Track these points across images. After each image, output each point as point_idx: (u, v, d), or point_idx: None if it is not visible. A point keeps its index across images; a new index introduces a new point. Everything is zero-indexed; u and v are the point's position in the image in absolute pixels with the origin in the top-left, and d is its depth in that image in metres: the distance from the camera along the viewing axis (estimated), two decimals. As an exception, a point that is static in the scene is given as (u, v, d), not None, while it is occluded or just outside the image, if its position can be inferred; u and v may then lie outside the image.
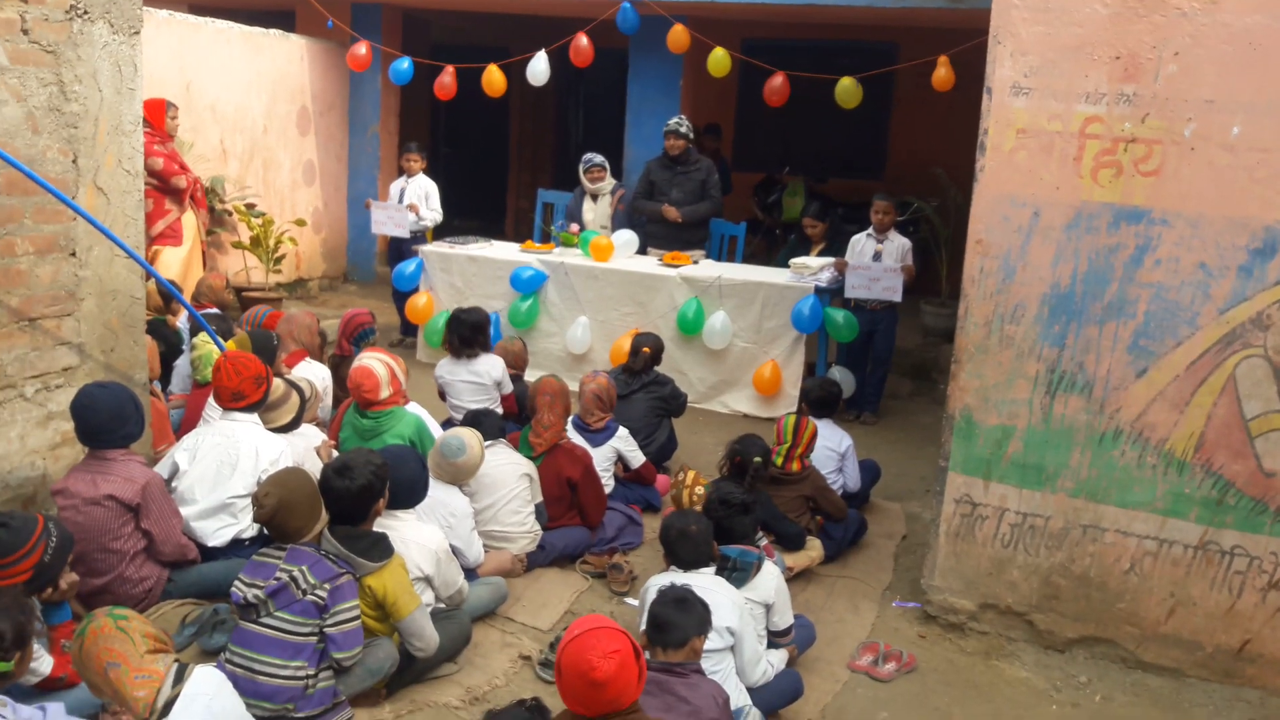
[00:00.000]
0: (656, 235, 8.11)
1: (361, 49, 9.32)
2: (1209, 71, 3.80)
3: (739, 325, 7.10)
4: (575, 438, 5.18)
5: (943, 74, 7.80)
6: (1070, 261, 4.08)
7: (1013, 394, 4.23)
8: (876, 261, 6.99)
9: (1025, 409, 4.22)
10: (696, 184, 8.01)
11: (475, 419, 4.71)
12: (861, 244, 7.16)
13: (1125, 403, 4.08)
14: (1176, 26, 3.83)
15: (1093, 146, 3.99)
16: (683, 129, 7.94)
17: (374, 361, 4.79)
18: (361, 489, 3.49)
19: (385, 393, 4.74)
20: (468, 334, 5.80)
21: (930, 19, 8.38)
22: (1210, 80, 3.81)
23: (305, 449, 4.50)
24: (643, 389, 5.91)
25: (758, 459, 4.60)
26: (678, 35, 8.36)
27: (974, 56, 6.12)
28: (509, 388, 5.86)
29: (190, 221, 7.57)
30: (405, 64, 9.09)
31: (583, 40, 8.49)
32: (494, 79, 8.81)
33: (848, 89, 8.03)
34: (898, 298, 6.89)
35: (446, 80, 8.94)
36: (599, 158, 8.32)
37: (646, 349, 5.99)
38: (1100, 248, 4.03)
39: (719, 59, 8.30)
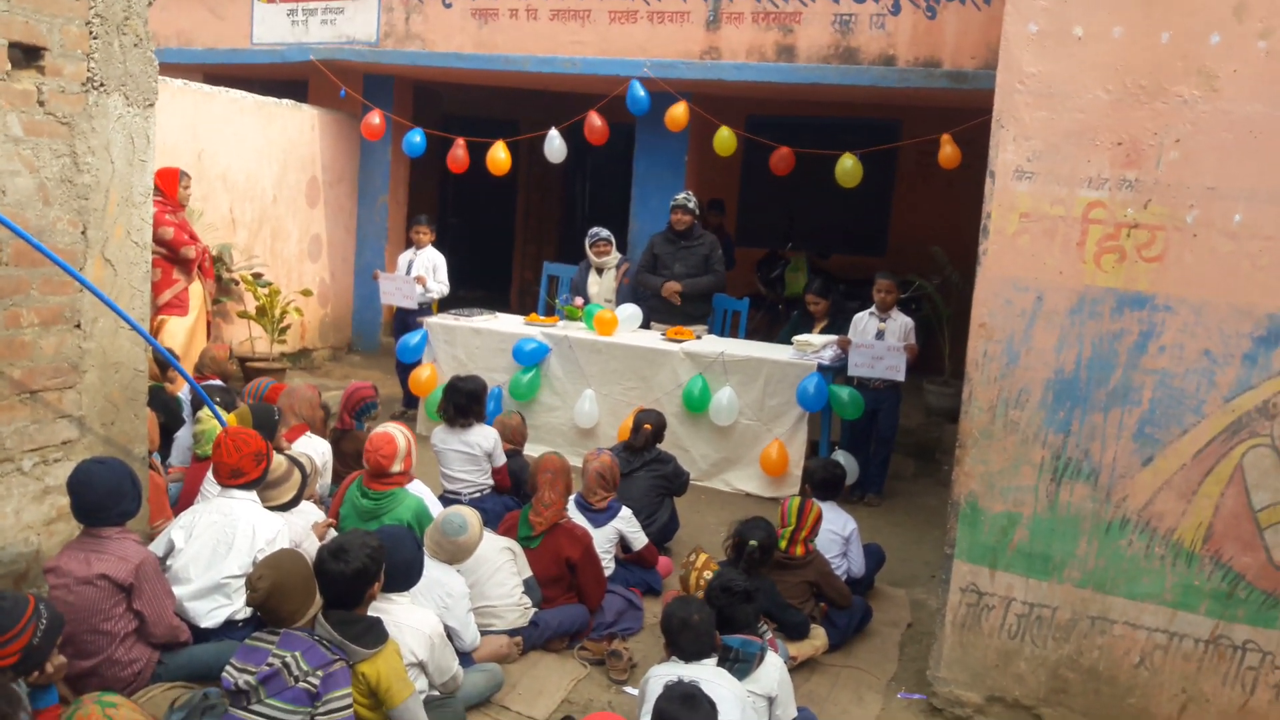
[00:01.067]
0: (660, 310, 8.14)
1: (375, 118, 9.47)
2: (1210, 158, 3.83)
3: (742, 402, 7.08)
4: (577, 517, 5.14)
5: (948, 152, 7.89)
6: (1074, 347, 4.07)
7: (1018, 480, 4.18)
8: (880, 340, 6.99)
9: (1031, 496, 4.17)
10: (700, 258, 8.07)
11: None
12: (864, 322, 7.17)
13: (1132, 491, 4.03)
14: (1178, 114, 3.87)
15: (1095, 231, 4.00)
16: (690, 204, 8.02)
17: (397, 432, 4.79)
18: (357, 572, 3.44)
19: (398, 466, 4.72)
20: (463, 402, 5.79)
21: (933, 99, 8.51)
22: (1212, 167, 3.83)
23: (303, 528, 4.45)
24: (644, 467, 5.87)
25: (753, 542, 4.53)
26: (677, 113, 8.48)
27: (976, 135, 6.19)
28: (500, 460, 5.83)
29: (197, 291, 7.61)
30: (418, 137, 9.22)
31: (596, 119, 8.63)
32: (498, 158, 8.86)
33: (847, 169, 8.14)
34: (901, 377, 6.88)
35: (459, 154, 9.06)
36: (604, 231, 8.39)
37: (648, 425, 5.96)
38: (1104, 333, 4.03)
39: (724, 139, 8.42)
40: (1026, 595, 4.23)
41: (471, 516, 4.35)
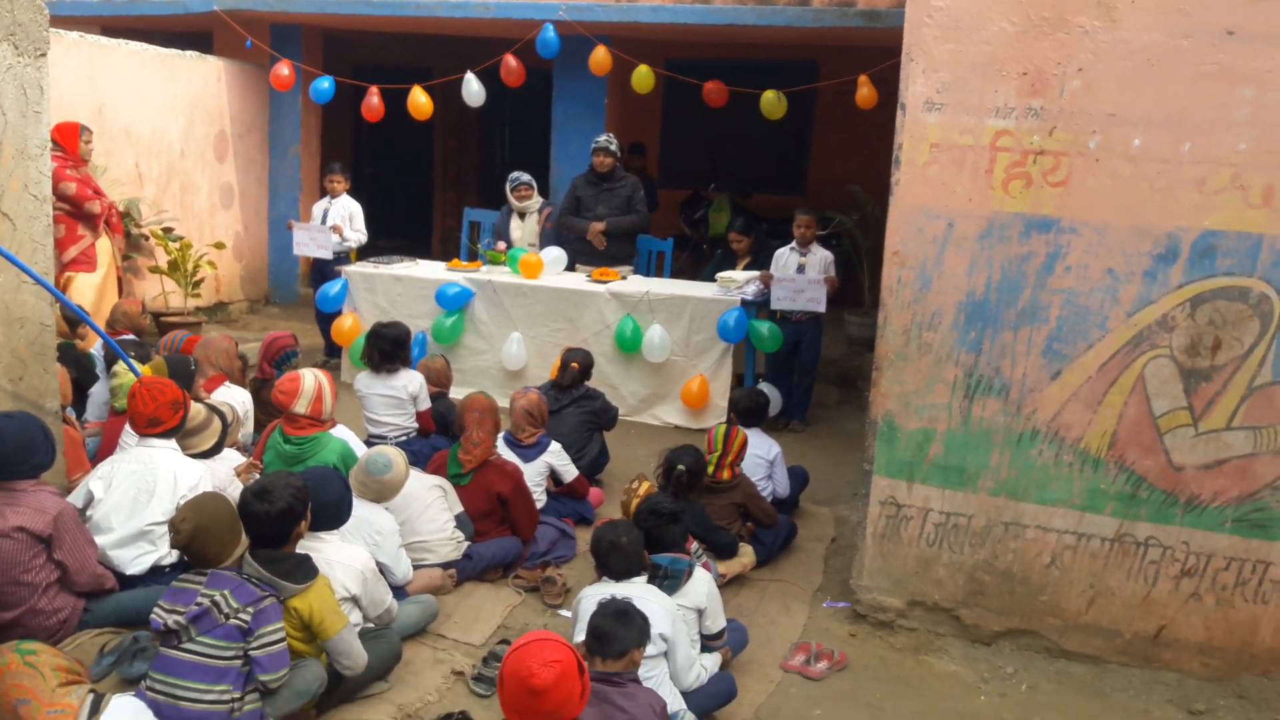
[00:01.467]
0: (584, 252, 8.12)
1: (284, 69, 9.20)
2: (1111, 86, 3.95)
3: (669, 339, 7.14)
4: (507, 453, 5.17)
5: (865, 93, 7.97)
6: (984, 270, 4.19)
7: (932, 399, 4.32)
8: (800, 274, 7.09)
9: (945, 413, 4.32)
10: (622, 200, 8.06)
11: None
12: (785, 257, 7.26)
13: (1041, 404, 4.19)
14: (1079, 44, 3.97)
15: (1003, 159, 4.10)
16: (611, 146, 7.99)
17: (307, 373, 4.74)
18: (281, 512, 3.42)
19: (301, 406, 4.66)
20: (388, 348, 5.75)
21: (849, 38, 8.57)
22: (1112, 95, 3.95)
23: (227, 475, 4.40)
24: (573, 404, 5.91)
25: (680, 467, 4.62)
26: (600, 57, 8.43)
27: (892, 75, 6.25)
28: (425, 404, 5.81)
29: (105, 247, 7.38)
30: (326, 83, 9.00)
31: (511, 61, 8.51)
32: (419, 102, 8.77)
33: (772, 101, 8.17)
34: (822, 308, 7.00)
35: (374, 102, 8.89)
36: (525, 176, 8.32)
37: (575, 364, 5.99)
38: (1012, 256, 4.15)
39: (643, 75, 8.38)
40: (943, 505, 4.39)
41: (396, 455, 4.35)
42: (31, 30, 4.10)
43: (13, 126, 4.05)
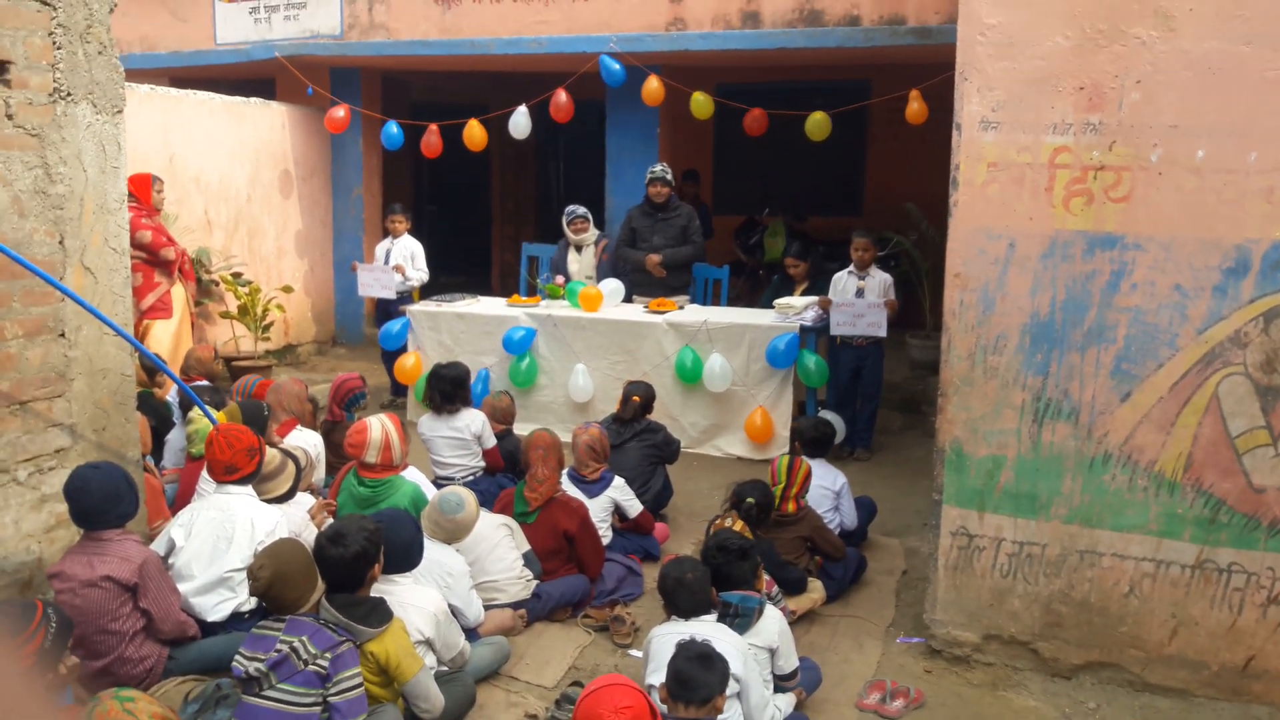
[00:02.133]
0: (641, 283, 8.17)
1: (340, 112, 9.45)
2: (1171, 97, 3.88)
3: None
4: (571, 490, 5.19)
5: (916, 108, 7.92)
6: (1048, 290, 4.13)
7: (1000, 424, 4.26)
8: (860, 298, 7.05)
9: (1014, 438, 4.25)
10: (678, 229, 8.10)
11: None
12: (844, 281, 7.23)
13: (1112, 427, 4.11)
14: (1137, 55, 3.91)
15: (1063, 176, 4.05)
16: (665, 176, 8.05)
17: (375, 422, 4.81)
18: (356, 555, 3.48)
19: (372, 456, 4.74)
20: (448, 389, 5.83)
21: (900, 56, 8.53)
22: (1173, 106, 3.88)
23: (302, 518, 4.49)
24: (635, 437, 5.93)
25: (749, 500, 4.59)
26: (653, 88, 8.50)
27: (945, 91, 6.22)
28: (490, 442, 5.87)
29: (179, 294, 7.60)
30: (394, 128, 9.21)
31: (562, 96, 8.63)
32: (474, 134, 8.98)
33: (818, 122, 8.17)
34: (883, 333, 6.94)
35: (433, 140, 9.09)
36: (581, 209, 8.40)
37: (636, 397, 6.02)
38: (1077, 275, 4.08)
39: (700, 103, 8.43)
40: (1016, 534, 4.31)
41: (467, 495, 4.40)
42: (108, 88, 4.26)
43: (93, 183, 4.21)
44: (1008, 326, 4.20)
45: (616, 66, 8.45)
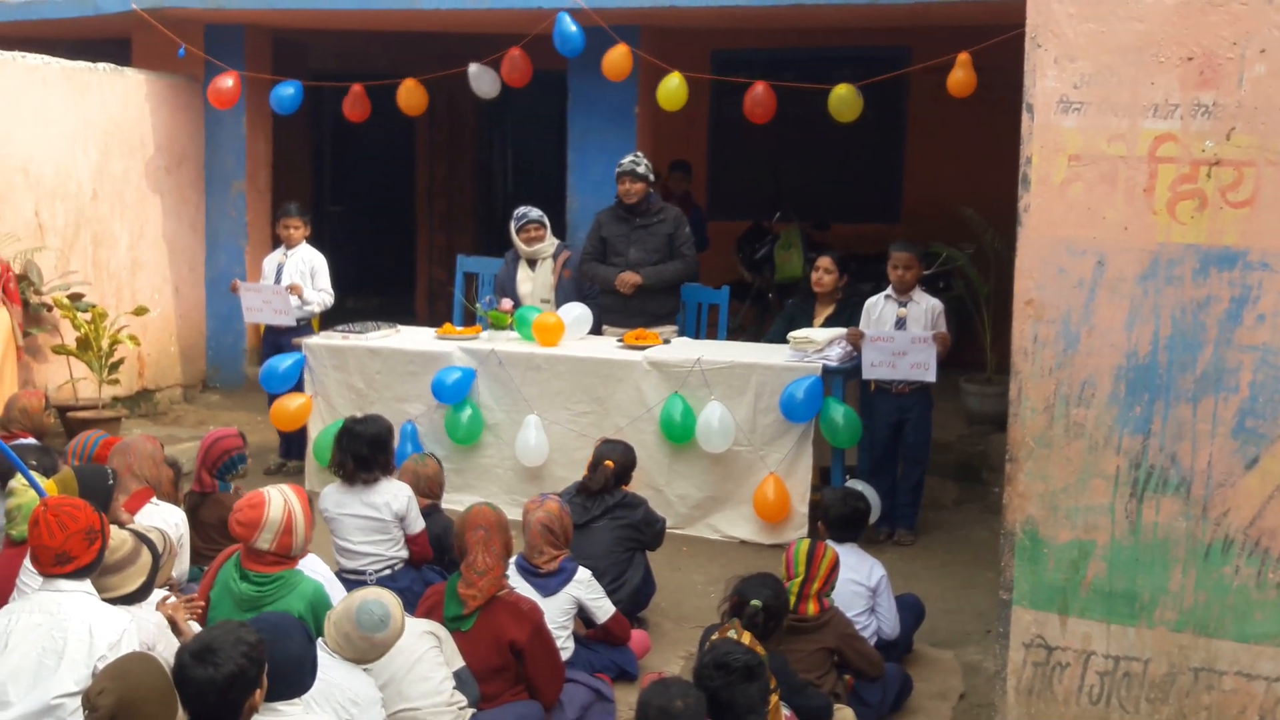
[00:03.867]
0: (612, 308, 8.17)
1: (228, 80, 9.49)
2: (1308, 72, 3.93)
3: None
4: (521, 586, 5.14)
5: (960, 76, 7.96)
6: (1149, 322, 4.14)
7: (1088, 499, 4.25)
8: (901, 330, 7.06)
9: (1106, 518, 4.24)
10: (661, 239, 8.10)
11: None
12: (880, 308, 7.25)
13: (1235, 503, 4.10)
14: (1261, 16, 3.94)
15: (1167, 173, 4.08)
16: (640, 169, 8.05)
17: (275, 495, 4.72)
18: (230, 678, 3.39)
19: (264, 541, 4.67)
20: (365, 452, 5.77)
21: (950, 15, 8.62)
22: (1311, 83, 3.93)
23: (156, 625, 4.40)
24: (606, 514, 5.89)
25: (755, 602, 4.54)
26: (618, 58, 8.51)
27: (1006, 59, 6.28)
28: (417, 525, 5.80)
29: (1, 321, 7.52)
30: (290, 89, 9.31)
31: (516, 55, 8.67)
32: (412, 97, 9.12)
33: (844, 98, 8.20)
34: (931, 377, 6.95)
35: (356, 103, 9.22)
36: (535, 212, 8.41)
37: (609, 462, 5.99)
38: (1186, 302, 4.10)
39: (673, 90, 8.45)
40: (1109, 646, 4.28)
41: (393, 604, 4.34)
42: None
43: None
44: (1096, 369, 4.20)
45: (573, 28, 8.48)
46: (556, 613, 5.13)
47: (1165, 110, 4.06)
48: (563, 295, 8.26)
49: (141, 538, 4.54)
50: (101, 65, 9.66)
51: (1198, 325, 4.09)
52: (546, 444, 7.39)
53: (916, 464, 7.29)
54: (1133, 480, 4.20)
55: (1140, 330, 4.15)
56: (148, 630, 4.32)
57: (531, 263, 8.43)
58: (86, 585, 4.21)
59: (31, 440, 6.13)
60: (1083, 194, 4.16)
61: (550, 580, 5.22)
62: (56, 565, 4.16)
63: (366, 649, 4.26)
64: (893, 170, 11.60)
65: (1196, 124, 4.03)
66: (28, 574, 4.62)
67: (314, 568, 4.98)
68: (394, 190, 13.81)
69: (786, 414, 6.94)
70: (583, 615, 5.31)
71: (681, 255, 8.15)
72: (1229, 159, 4.00)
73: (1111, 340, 4.18)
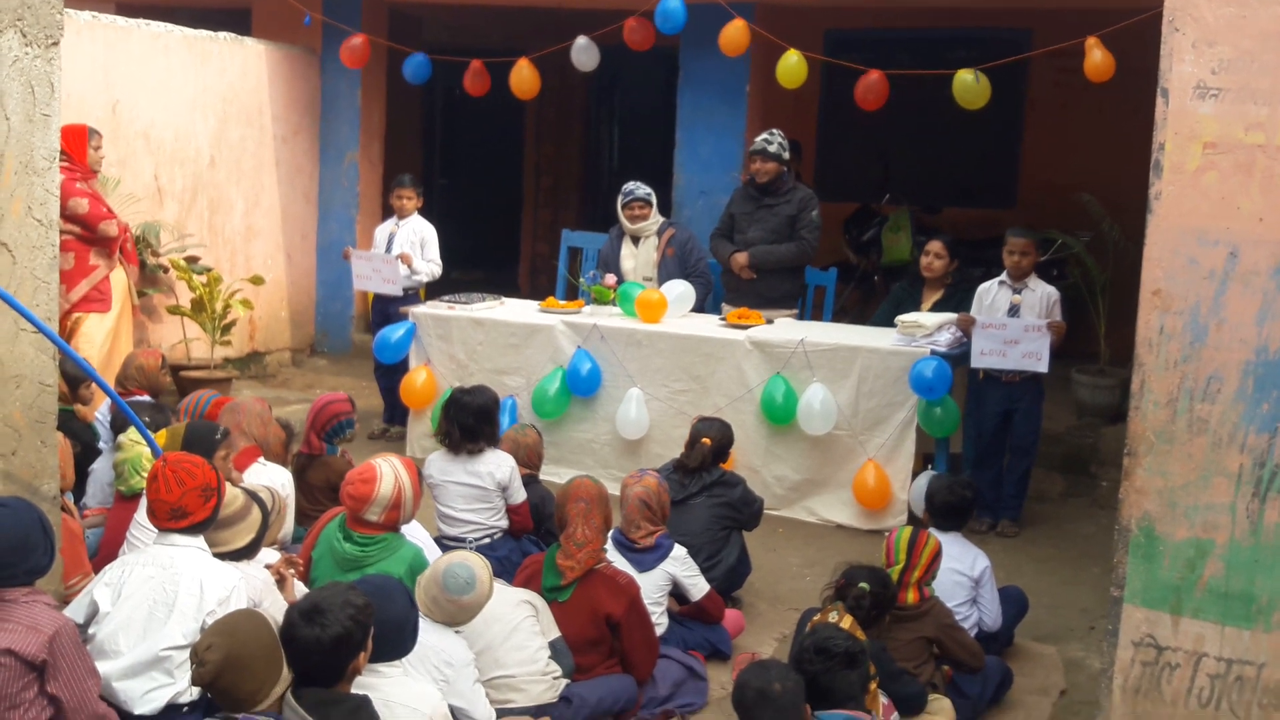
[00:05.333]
0: (730, 287, 8.15)
1: (357, 40, 9.66)
2: None
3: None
4: (617, 560, 5.15)
5: (1099, 59, 7.73)
6: (1281, 317, 4.03)
7: (1209, 496, 4.15)
8: (1014, 318, 6.94)
9: (1227, 517, 4.13)
10: (783, 220, 8.02)
11: None
12: (993, 294, 7.13)
13: (1362, 506, 3.97)
14: None
15: (1305, 163, 3.96)
16: (771, 148, 7.95)
17: (386, 470, 4.76)
18: (337, 639, 3.45)
19: (373, 514, 4.72)
20: (470, 422, 5.81)
21: (1075, -1, 8.40)
22: None
23: (265, 582, 4.47)
24: (703, 492, 5.87)
25: (862, 585, 4.50)
26: (734, 34, 8.44)
27: (1135, 44, 6.11)
28: (519, 496, 5.84)
29: (120, 281, 7.70)
30: (419, 58, 9.48)
31: (634, 24, 8.66)
32: (524, 78, 9.19)
33: (970, 86, 8.00)
34: (1044, 367, 6.83)
35: (476, 78, 9.36)
36: (643, 189, 8.39)
37: (707, 439, 5.97)
38: (1322, 297, 3.98)
39: (792, 67, 8.34)
40: (1223, 649, 4.18)
41: (480, 568, 4.38)
42: (42, 13, 4.27)
43: (17, 134, 4.22)
44: (1224, 364, 4.10)
45: (676, 3, 8.40)
46: (651, 588, 5.13)
47: (1307, 98, 3.94)
48: (665, 273, 8.24)
49: (252, 495, 4.61)
50: (222, 34, 9.84)
51: (1331, 321, 3.98)
52: (647, 418, 7.39)
53: (1024, 455, 7.19)
54: (1256, 479, 4.09)
55: (1272, 325, 4.04)
56: (255, 587, 4.38)
57: (636, 239, 8.41)
58: (199, 541, 4.29)
59: (146, 397, 6.26)
60: (1217, 183, 4.06)
61: (646, 556, 5.22)
62: (172, 520, 4.24)
63: (455, 611, 4.30)
64: (1009, 155, 11.38)
65: (1337, 112, 3.91)
66: (139, 528, 4.73)
67: (414, 533, 5.03)
68: (501, 165, 13.90)
69: (917, 389, 6.80)
70: (677, 592, 5.31)
71: (800, 238, 8.05)
72: (1370, 149, 3.88)
73: (1241, 335, 4.08)
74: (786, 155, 8.05)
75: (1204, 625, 4.20)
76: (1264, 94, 3.97)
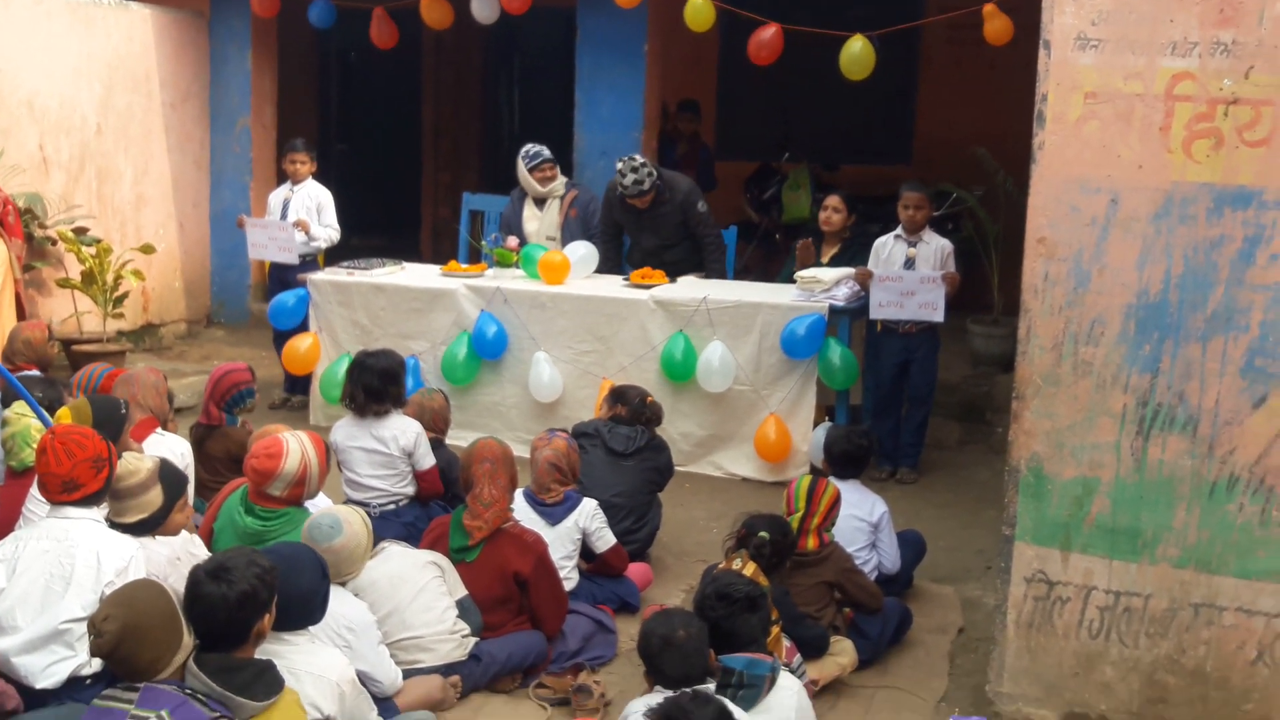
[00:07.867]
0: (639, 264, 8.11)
1: None
2: (1332, 7, 3.89)
3: (735, 362, 7.11)
4: (527, 515, 5.17)
5: (997, 25, 7.86)
6: (1161, 261, 4.13)
7: (1094, 436, 4.25)
8: (910, 270, 7.04)
9: (1111, 455, 4.25)
10: (673, 224, 7.99)
11: None
12: (889, 248, 7.22)
13: (1241, 441, 4.10)
14: (1283, -48, 3.92)
15: (1184, 111, 4.05)
16: (645, 185, 7.67)
17: (292, 444, 4.72)
18: (242, 596, 3.43)
19: (277, 488, 4.68)
20: (376, 385, 5.78)
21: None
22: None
23: (168, 556, 4.41)
24: (637, 454, 5.87)
25: (763, 534, 4.57)
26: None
27: (1026, 2, 6.18)
28: (427, 461, 5.81)
29: (1, 254, 7.51)
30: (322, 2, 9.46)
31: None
32: (436, 11, 9.07)
33: (855, 55, 8.08)
34: (939, 317, 6.95)
35: (381, 28, 9.28)
36: (547, 151, 8.32)
37: (651, 399, 6.09)
38: (1199, 242, 4.08)
39: (698, 9, 8.32)
40: (1110, 582, 4.31)
41: (347, 512, 4.40)
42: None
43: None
44: (1107, 308, 4.20)
45: None
46: (561, 543, 5.17)
47: (1184, 48, 4.03)
48: (569, 234, 8.23)
49: (167, 468, 4.53)
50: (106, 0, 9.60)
51: (1210, 265, 4.09)
52: (560, 381, 7.40)
53: (921, 404, 7.31)
54: (1139, 418, 4.21)
55: (1152, 269, 4.15)
56: (158, 563, 4.34)
57: (539, 201, 8.37)
58: (94, 513, 4.25)
59: (35, 371, 6.13)
60: (1098, 132, 4.14)
61: (556, 509, 5.26)
62: (64, 492, 4.19)
63: (334, 562, 4.22)
64: (904, 111, 11.51)
65: (1215, 62, 4.00)
66: (35, 502, 4.64)
67: (316, 503, 5.00)
68: (399, 129, 13.71)
69: (787, 351, 6.94)
70: (583, 550, 5.33)
71: (702, 238, 8.06)
72: (1247, 98, 3.98)
73: (1123, 279, 4.18)
74: (657, 177, 7.81)
75: (1092, 560, 4.32)
76: (1142, 44, 4.06)
